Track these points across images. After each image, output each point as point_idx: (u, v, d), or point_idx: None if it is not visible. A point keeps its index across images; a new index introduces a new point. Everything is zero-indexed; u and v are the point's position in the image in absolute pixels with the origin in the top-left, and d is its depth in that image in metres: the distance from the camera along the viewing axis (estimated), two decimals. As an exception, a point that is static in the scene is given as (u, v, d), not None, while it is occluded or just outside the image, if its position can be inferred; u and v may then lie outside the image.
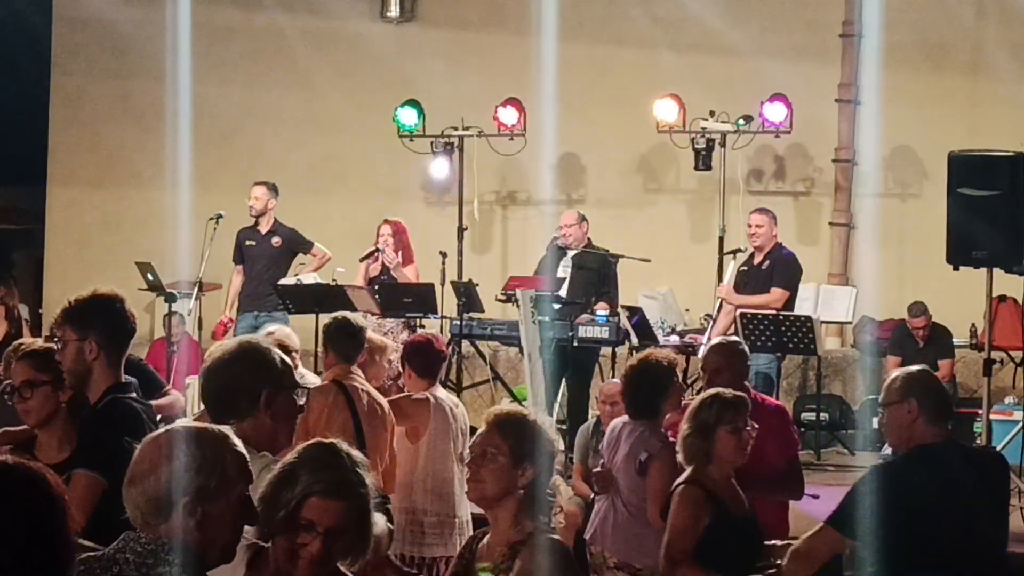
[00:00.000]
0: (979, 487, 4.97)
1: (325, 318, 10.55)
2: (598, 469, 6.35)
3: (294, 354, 6.89)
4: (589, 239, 11.49)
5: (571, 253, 11.40)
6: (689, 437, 5.34)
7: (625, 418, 6.29)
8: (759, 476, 5.76)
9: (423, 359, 6.99)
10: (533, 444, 4.06)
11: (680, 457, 5.41)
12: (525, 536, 3.97)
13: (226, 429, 3.14)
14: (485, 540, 4.12)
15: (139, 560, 2.92)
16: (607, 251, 11.49)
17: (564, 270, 11.35)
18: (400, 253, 11.55)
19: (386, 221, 11.67)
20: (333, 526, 3.27)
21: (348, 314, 7.00)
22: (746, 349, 6.59)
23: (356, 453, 3.39)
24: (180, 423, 3.38)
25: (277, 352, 4.05)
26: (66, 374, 4.61)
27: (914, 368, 5.37)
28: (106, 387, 4.52)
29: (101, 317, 4.57)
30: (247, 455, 3.10)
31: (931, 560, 4.75)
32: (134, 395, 4.60)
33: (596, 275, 11.34)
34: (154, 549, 2.93)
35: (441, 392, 7.13)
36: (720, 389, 5.58)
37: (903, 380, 5.09)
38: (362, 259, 11.62)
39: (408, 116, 13.41)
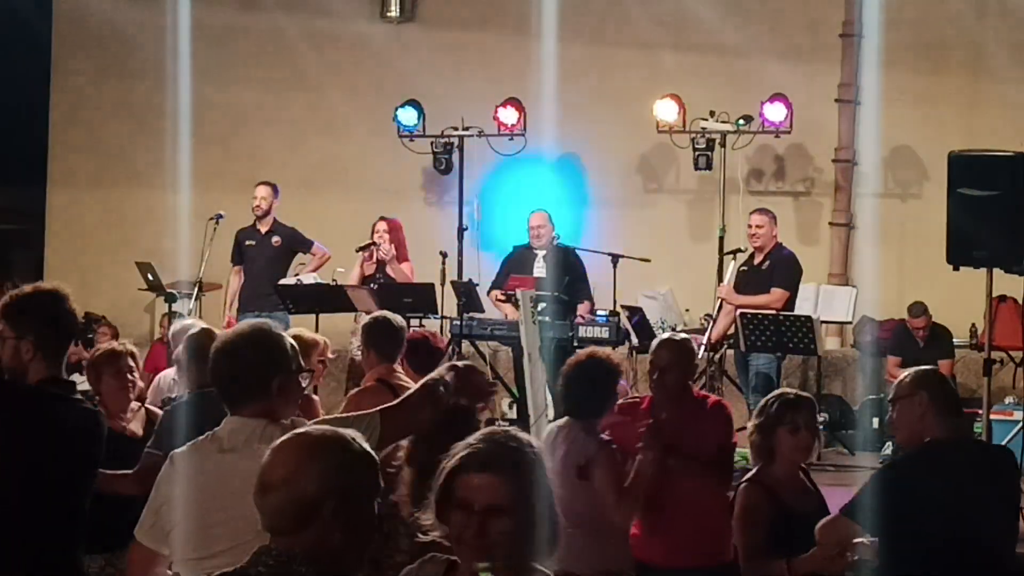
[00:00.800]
0: (989, 484, 4.99)
1: (326, 318, 10.68)
2: None
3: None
4: (554, 236, 11.49)
5: (541, 253, 11.38)
6: (752, 435, 5.52)
7: (561, 422, 6.09)
8: (704, 463, 5.92)
9: (423, 356, 6.94)
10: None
11: (749, 455, 5.60)
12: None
13: (354, 432, 3.07)
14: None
15: (271, 573, 2.86)
16: (573, 248, 11.51)
17: (539, 270, 11.33)
18: (395, 251, 11.55)
19: (382, 219, 11.68)
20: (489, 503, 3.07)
21: (388, 314, 6.99)
22: (694, 346, 6.49)
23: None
24: (306, 427, 3.29)
25: (287, 336, 4.13)
26: (5, 371, 4.56)
27: (924, 367, 5.46)
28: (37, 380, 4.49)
29: (38, 317, 4.51)
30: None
31: (940, 556, 4.76)
32: (76, 396, 4.57)
33: (570, 272, 11.30)
34: (287, 560, 2.87)
35: None
36: (784, 389, 5.67)
37: (913, 375, 5.17)
38: (358, 249, 11.61)
39: (408, 116, 13.41)
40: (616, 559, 5.75)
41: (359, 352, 7.07)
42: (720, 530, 5.79)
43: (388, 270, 11.53)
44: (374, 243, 11.55)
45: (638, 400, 6.40)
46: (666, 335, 6.77)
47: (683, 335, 6.69)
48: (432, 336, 7.35)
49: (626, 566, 5.84)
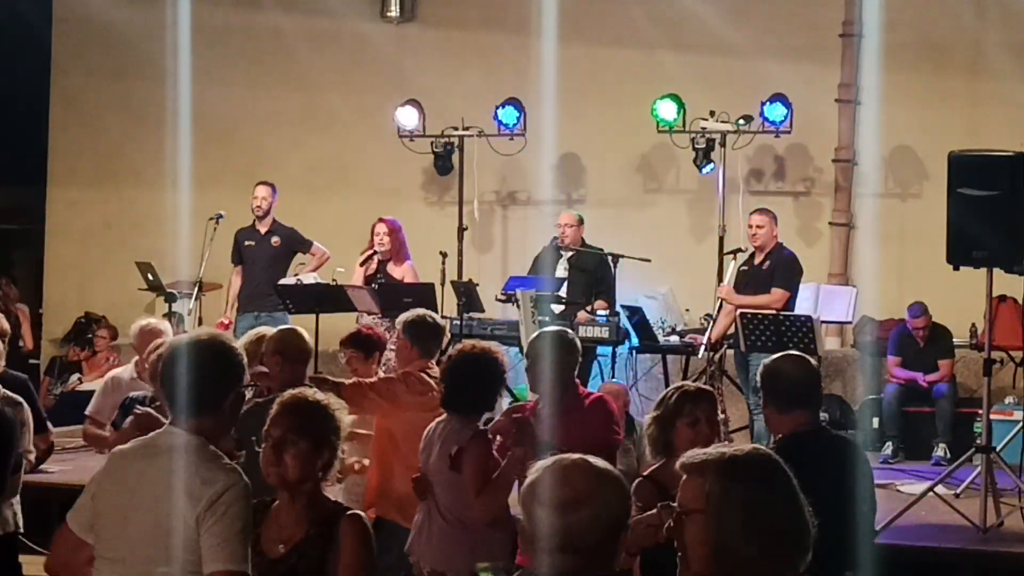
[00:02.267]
0: (837, 474, 4.95)
1: (325, 318, 10.68)
2: (416, 475, 6.07)
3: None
4: (583, 240, 11.51)
5: (567, 254, 11.40)
6: (650, 428, 5.29)
7: (442, 419, 6.01)
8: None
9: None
10: (325, 425, 4.20)
11: (647, 451, 5.39)
12: (325, 511, 4.13)
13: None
14: (270, 513, 4.22)
15: None
16: (602, 251, 11.49)
17: (563, 270, 11.36)
18: (396, 253, 11.55)
19: (381, 220, 11.67)
20: None
21: (425, 311, 7.25)
22: (575, 340, 6.28)
23: None
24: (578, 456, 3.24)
25: (239, 349, 4.17)
26: None
27: (771, 358, 5.42)
28: None
29: None
30: None
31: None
32: None
33: (593, 276, 11.35)
34: None
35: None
36: (685, 382, 5.54)
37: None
38: (361, 264, 11.64)
39: (408, 116, 13.41)
40: (492, 556, 5.47)
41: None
42: None
43: (389, 270, 11.53)
44: (372, 253, 11.57)
45: (526, 404, 6.31)
46: (544, 328, 6.64)
47: (560, 328, 6.53)
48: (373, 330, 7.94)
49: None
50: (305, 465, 4.13)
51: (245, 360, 4.14)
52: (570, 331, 6.36)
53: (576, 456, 3.13)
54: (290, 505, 4.19)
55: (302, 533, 4.12)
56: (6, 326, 7.57)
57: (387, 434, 6.90)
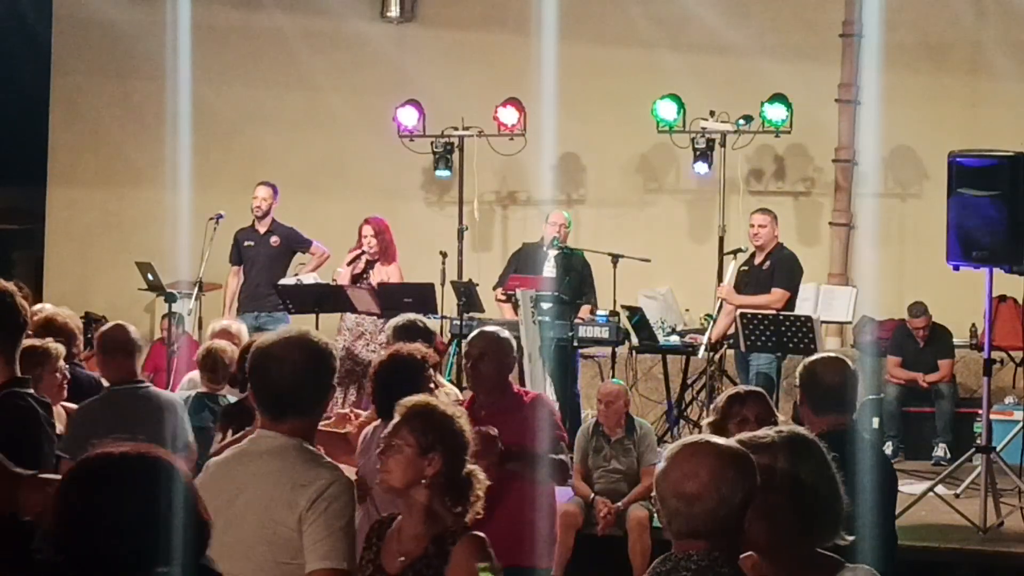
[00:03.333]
0: (863, 480, 4.98)
1: (325, 318, 10.68)
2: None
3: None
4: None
5: (552, 253, 11.38)
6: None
7: (377, 422, 5.91)
8: (527, 462, 5.69)
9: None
10: (440, 434, 4.10)
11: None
12: (444, 530, 4.02)
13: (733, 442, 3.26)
14: (394, 526, 4.16)
15: (698, 574, 3.06)
16: (582, 252, 11.51)
17: (551, 269, 11.34)
18: (383, 252, 11.52)
19: (367, 221, 11.63)
20: None
21: (415, 315, 7.26)
22: (510, 338, 6.24)
23: None
24: (702, 437, 3.35)
25: (333, 347, 4.06)
26: None
27: (811, 359, 5.51)
28: (1, 383, 4.45)
29: None
30: None
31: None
32: (31, 391, 4.55)
33: (579, 277, 11.32)
34: (710, 563, 3.07)
35: (447, 384, 7.26)
36: (737, 387, 5.59)
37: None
38: (348, 263, 11.62)
39: (408, 116, 13.41)
40: None
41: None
42: (535, 533, 5.63)
43: (376, 271, 11.50)
44: (360, 254, 11.54)
45: (460, 401, 6.21)
46: (483, 328, 6.58)
47: (497, 328, 6.47)
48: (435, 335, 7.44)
49: None
50: (407, 472, 4.07)
51: (337, 357, 4.06)
52: (506, 331, 6.29)
53: (702, 441, 3.26)
54: (408, 517, 4.11)
55: (420, 550, 4.03)
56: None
57: None
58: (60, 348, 6.31)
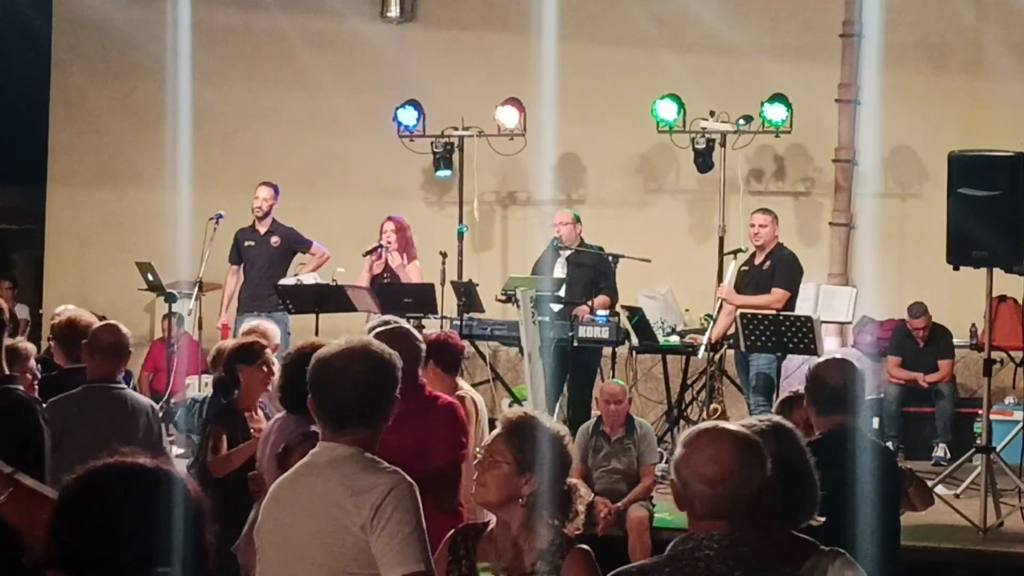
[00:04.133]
0: (865, 478, 5.00)
1: (325, 318, 10.68)
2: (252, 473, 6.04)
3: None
4: (582, 238, 11.48)
5: (565, 253, 11.39)
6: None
7: (281, 415, 5.88)
8: (421, 478, 5.17)
9: (448, 355, 7.01)
10: (540, 452, 4.00)
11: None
12: (550, 544, 3.94)
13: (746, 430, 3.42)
14: (486, 536, 4.09)
15: (720, 553, 3.20)
16: (601, 249, 11.48)
17: (560, 270, 11.34)
18: (403, 250, 11.55)
19: (389, 219, 11.67)
20: None
21: (391, 317, 7.03)
22: (415, 334, 6.00)
23: None
24: (716, 423, 3.47)
25: (394, 356, 3.99)
26: None
27: (818, 361, 5.53)
28: None
29: None
30: None
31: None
32: (20, 388, 4.59)
33: (593, 272, 11.32)
34: (731, 542, 3.21)
35: (466, 386, 7.31)
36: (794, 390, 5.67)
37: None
38: (365, 254, 11.61)
39: (408, 116, 13.41)
40: None
41: None
42: None
43: (395, 269, 11.53)
44: (380, 245, 11.55)
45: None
46: (386, 327, 6.26)
47: (402, 324, 6.20)
48: (450, 336, 7.42)
49: None
50: (502, 489, 4.00)
51: (400, 364, 3.99)
52: (415, 331, 6.07)
53: (720, 427, 3.38)
54: (505, 531, 4.05)
55: (526, 566, 3.96)
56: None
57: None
58: (31, 347, 6.38)
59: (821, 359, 5.62)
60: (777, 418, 3.87)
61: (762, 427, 3.60)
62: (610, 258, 11.42)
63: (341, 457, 3.82)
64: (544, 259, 11.44)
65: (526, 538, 3.98)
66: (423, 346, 5.87)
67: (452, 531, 4.26)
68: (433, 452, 5.59)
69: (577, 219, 11.51)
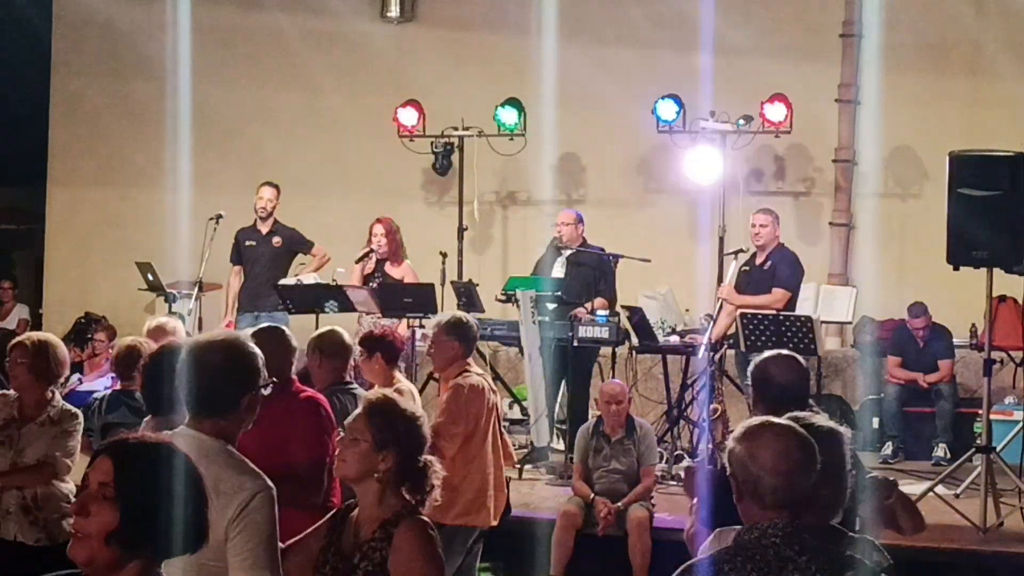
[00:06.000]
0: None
1: (325, 318, 10.67)
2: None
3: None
4: (584, 239, 11.48)
5: (566, 253, 11.39)
6: None
7: (148, 418, 5.76)
8: (281, 477, 4.69)
9: (391, 349, 7.48)
10: (397, 431, 4.20)
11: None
12: (392, 515, 4.14)
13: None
14: (354, 514, 4.28)
15: (787, 540, 3.48)
16: (602, 249, 11.48)
17: (560, 269, 11.34)
18: (393, 253, 11.54)
19: (378, 220, 11.66)
20: None
21: (460, 312, 7.68)
22: (288, 336, 5.96)
23: None
24: (771, 419, 3.74)
25: (256, 350, 4.17)
26: None
27: (759, 359, 5.55)
28: None
29: None
30: None
31: None
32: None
33: (593, 273, 11.32)
34: (793, 531, 3.51)
35: (403, 378, 7.71)
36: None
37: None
38: (357, 261, 11.63)
39: (408, 116, 13.41)
40: None
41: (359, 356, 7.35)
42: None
43: (387, 270, 11.53)
44: (372, 250, 11.56)
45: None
46: (261, 326, 6.40)
47: (276, 325, 6.29)
48: (394, 332, 7.98)
49: None
50: (360, 464, 4.18)
51: (262, 359, 4.16)
52: (285, 327, 6.15)
53: (782, 424, 3.67)
54: (363, 504, 4.24)
55: (369, 534, 4.16)
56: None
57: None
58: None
59: (767, 355, 5.57)
60: (819, 419, 4.10)
61: (815, 426, 3.90)
62: (611, 259, 11.42)
63: (208, 450, 3.91)
64: (545, 259, 11.44)
65: (378, 510, 4.17)
66: (294, 347, 6.01)
67: (334, 510, 4.46)
68: (294, 448, 5.63)
69: (580, 219, 11.52)
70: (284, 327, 6.19)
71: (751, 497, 3.59)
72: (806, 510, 3.59)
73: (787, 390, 5.32)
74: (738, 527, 3.75)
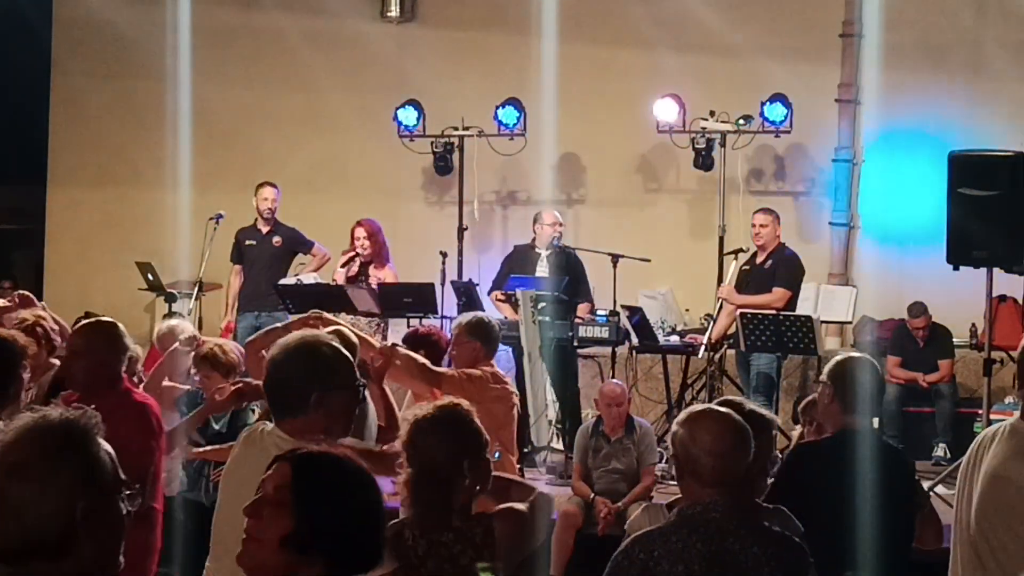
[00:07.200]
0: (879, 479, 5.06)
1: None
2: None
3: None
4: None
5: (545, 253, 11.38)
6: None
7: None
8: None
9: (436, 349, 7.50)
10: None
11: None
12: None
13: None
14: None
15: (726, 515, 3.90)
16: (574, 250, 11.52)
17: (542, 270, 11.33)
18: (376, 255, 11.52)
19: (359, 223, 11.62)
20: None
21: (482, 313, 7.86)
22: (122, 334, 5.74)
23: None
24: (710, 406, 4.15)
25: (334, 350, 4.10)
26: None
27: (850, 354, 5.55)
28: None
29: None
30: None
31: (821, 543, 4.62)
32: None
33: (575, 275, 11.32)
34: (733, 506, 3.92)
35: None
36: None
37: (831, 365, 5.42)
38: (342, 265, 11.62)
39: (408, 116, 13.40)
40: None
41: None
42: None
43: (371, 273, 11.51)
44: (354, 255, 11.54)
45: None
46: (85, 321, 6.16)
47: (104, 318, 6.01)
48: (434, 331, 8.00)
49: None
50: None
51: (340, 359, 4.10)
52: (112, 322, 5.86)
53: (720, 410, 4.06)
54: None
55: None
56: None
57: None
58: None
59: (851, 356, 5.55)
60: (751, 405, 4.55)
61: (748, 412, 4.34)
62: (580, 261, 11.45)
63: (272, 444, 3.92)
64: (526, 258, 11.43)
65: None
66: (128, 346, 5.74)
67: None
68: (124, 442, 5.46)
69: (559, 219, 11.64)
70: (118, 324, 5.87)
71: (691, 476, 3.95)
72: (739, 488, 3.96)
73: (866, 392, 5.38)
74: (663, 502, 4.37)
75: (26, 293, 8.08)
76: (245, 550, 2.77)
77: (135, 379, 6.37)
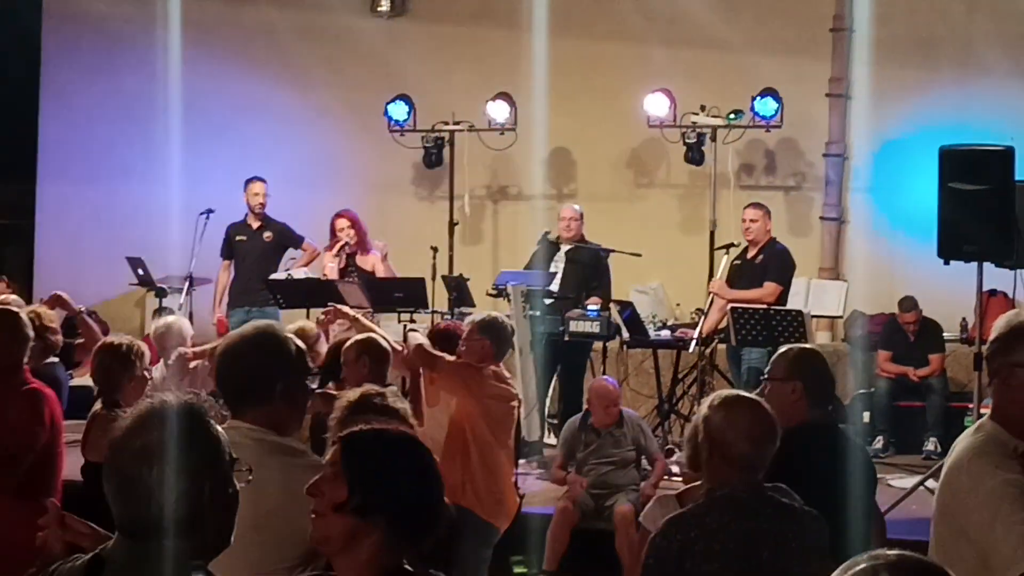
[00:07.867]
0: (842, 470, 5.12)
1: (316, 312, 10.67)
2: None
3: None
4: (583, 235, 11.51)
5: (564, 248, 11.40)
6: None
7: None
8: None
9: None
10: None
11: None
12: None
13: None
14: None
15: (755, 495, 4.22)
16: (600, 246, 11.49)
17: (556, 265, 11.35)
18: (360, 243, 11.52)
19: (339, 215, 11.60)
20: None
21: (497, 313, 7.77)
22: (23, 324, 5.85)
23: None
24: (739, 393, 4.39)
25: (293, 339, 4.06)
26: None
27: (804, 347, 5.63)
28: None
29: None
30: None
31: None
32: None
33: (589, 270, 11.34)
34: (758, 487, 4.24)
35: None
36: None
37: (792, 358, 5.39)
38: (336, 255, 11.59)
39: (398, 111, 13.40)
40: None
41: None
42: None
43: (359, 262, 11.50)
44: (346, 243, 11.53)
45: None
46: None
47: (10, 309, 6.12)
48: (456, 327, 7.98)
49: None
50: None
51: (299, 348, 4.03)
52: (25, 320, 5.97)
53: (750, 397, 4.34)
54: None
55: None
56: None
57: (465, 424, 7.17)
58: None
59: (807, 346, 5.73)
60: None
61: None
62: (607, 255, 11.43)
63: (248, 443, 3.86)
64: (539, 254, 11.44)
65: None
66: (29, 335, 5.88)
67: None
68: (2, 432, 5.61)
69: (582, 215, 11.58)
70: (19, 314, 6.02)
71: (721, 459, 4.19)
72: (761, 471, 4.21)
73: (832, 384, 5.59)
74: (673, 492, 4.75)
75: None
76: (314, 527, 2.91)
77: (145, 373, 6.41)
